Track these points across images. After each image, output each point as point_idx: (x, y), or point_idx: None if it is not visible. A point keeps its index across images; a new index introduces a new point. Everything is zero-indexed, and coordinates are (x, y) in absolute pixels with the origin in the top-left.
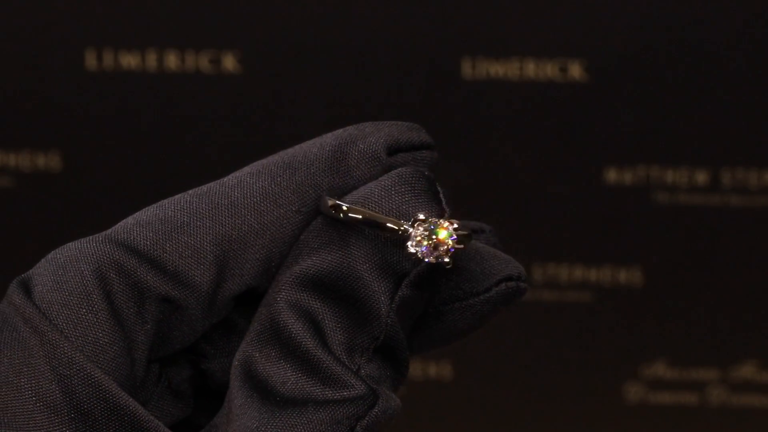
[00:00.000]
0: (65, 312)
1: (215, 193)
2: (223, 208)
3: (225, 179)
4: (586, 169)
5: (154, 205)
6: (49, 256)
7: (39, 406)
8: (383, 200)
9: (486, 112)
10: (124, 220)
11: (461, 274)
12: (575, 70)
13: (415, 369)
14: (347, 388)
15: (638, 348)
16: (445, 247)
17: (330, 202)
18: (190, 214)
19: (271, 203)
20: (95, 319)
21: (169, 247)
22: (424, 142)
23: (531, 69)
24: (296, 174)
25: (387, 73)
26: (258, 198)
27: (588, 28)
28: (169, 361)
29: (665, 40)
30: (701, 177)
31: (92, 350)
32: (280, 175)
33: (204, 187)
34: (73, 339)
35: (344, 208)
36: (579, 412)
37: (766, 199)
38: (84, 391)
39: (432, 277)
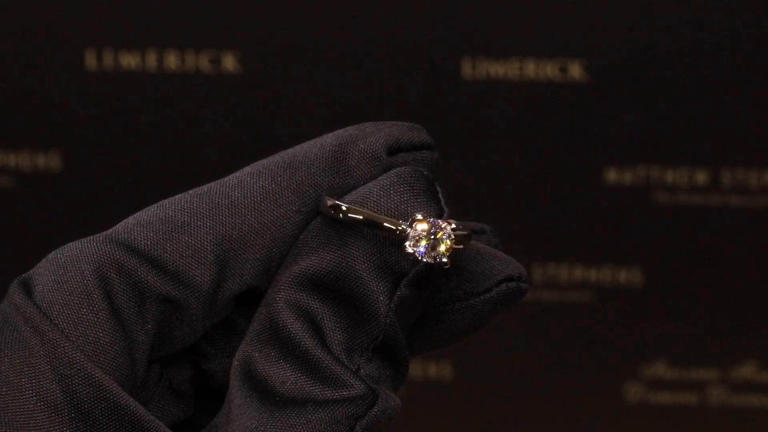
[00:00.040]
0: (66, 312)
1: (216, 193)
2: (223, 208)
3: (225, 179)
4: (586, 169)
5: (155, 205)
6: (50, 256)
7: (40, 406)
8: (382, 200)
9: (486, 112)
10: (124, 220)
11: (462, 274)
12: (575, 70)
13: (415, 369)
14: (346, 388)
15: (638, 348)
16: (444, 247)
17: (329, 202)
18: (190, 213)
19: (272, 203)
20: (96, 319)
21: (169, 247)
22: (424, 142)
23: (531, 69)
24: (297, 174)
25: (387, 73)
26: (258, 198)
27: (588, 28)
28: (170, 361)
29: (665, 40)
30: (701, 177)
31: (93, 350)
32: (280, 175)
33: (205, 187)
34: (74, 339)
35: (343, 208)
36: (579, 412)
37: (766, 199)
38: (84, 390)
39: (431, 277)
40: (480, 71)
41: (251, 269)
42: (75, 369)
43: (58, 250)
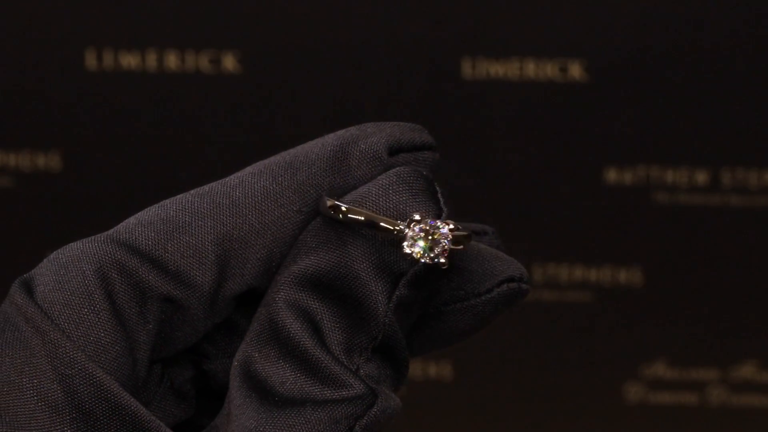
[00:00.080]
0: (67, 312)
1: (217, 193)
2: (224, 208)
3: (227, 179)
4: (586, 169)
5: (156, 205)
6: (51, 256)
7: (41, 406)
8: (380, 199)
9: (486, 112)
10: (126, 220)
11: (463, 274)
12: (575, 70)
13: (415, 369)
14: (346, 388)
15: (638, 348)
16: (441, 247)
17: (328, 203)
18: (191, 213)
19: (273, 203)
20: (97, 319)
21: (170, 247)
22: (425, 142)
23: (531, 69)
24: (297, 174)
25: (387, 73)
26: (259, 197)
27: (588, 28)
28: (172, 361)
29: (665, 40)
30: (701, 177)
31: (94, 350)
32: (281, 175)
33: (206, 187)
34: (75, 339)
35: (343, 208)
36: (579, 412)
37: (766, 199)
38: (86, 390)
39: (430, 277)
40: (480, 71)
41: (252, 269)
42: (76, 369)
43: (59, 250)
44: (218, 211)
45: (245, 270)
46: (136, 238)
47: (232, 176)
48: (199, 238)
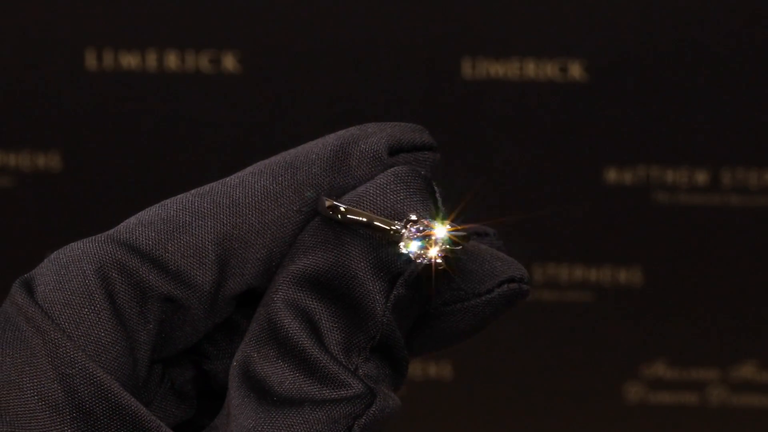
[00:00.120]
0: (68, 311)
1: (217, 193)
2: (224, 207)
3: (227, 179)
4: (586, 169)
5: (157, 205)
6: (52, 256)
7: (41, 405)
8: (378, 199)
9: (486, 112)
10: (126, 220)
11: (463, 274)
12: (575, 70)
13: (415, 369)
14: (344, 387)
15: (638, 348)
16: (437, 247)
17: (327, 203)
18: (192, 213)
19: (273, 202)
20: (97, 319)
21: (171, 246)
22: (426, 143)
23: (531, 69)
24: (298, 173)
25: (387, 73)
26: (259, 197)
27: (588, 28)
28: (173, 362)
29: (665, 40)
30: (701, 177)
31: (94, 350)
32: (281, 175)
33: (206, 187)
34: (76, 338)
35: (341, 209)
36: (579, 412)
37: (766, 199)
38: (86, 390)
39: (428, 276)
40: (480, 71)
41: (252, 269)
42: (76, 369)
43: (60, 250)
44: (218, 211)
45: (245, 270)
46: (136, 238)
47: (232, 176)
48: (200, 238)
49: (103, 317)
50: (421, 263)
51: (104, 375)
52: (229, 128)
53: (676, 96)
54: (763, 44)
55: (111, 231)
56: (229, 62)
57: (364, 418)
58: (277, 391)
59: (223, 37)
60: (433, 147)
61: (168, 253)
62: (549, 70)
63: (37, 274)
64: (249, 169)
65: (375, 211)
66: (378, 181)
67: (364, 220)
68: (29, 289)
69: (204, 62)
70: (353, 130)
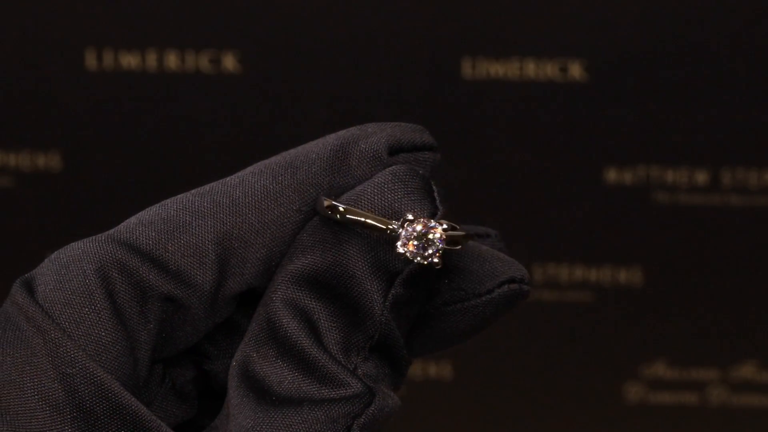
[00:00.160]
0: (68, 311)
1: (217, 192)
2: (224, 207)
3: (227, 178)
4: (586, 169)
5: (157, 205)
6: (53, 255)
7: (41, 405)
8: (376, 198)
9: (486, 112)
10: (127, 220)
11: (463, 274)
12: (575, 70)
13: (415, 369)
14: (343, 387)
15: (638, 348)
16: (435, 247)
17: (326, 203)
18: (192, 213)
19: (272, 202)
20: (98, 318)
21: (171, 246)
22: (426, 143)
23: (531, 69)
24: (297, 173)
25: (387, 73)
26: (259, 196)
27: (588, 28)
28: (173, 362)
29: (665, 40)
30: (701, 177)
31: (95, 349)
32: (281, 174)
33: (207, 187)
34: (76, 338)
35: (340, 209)
36: (579, 412)
37: (766, 199)
38: (86, 389)
39: (426, 276)
40: (480, 71)
41: (252, 268)
42: (77, 368)
43: (60, 250)
44: (218, 210)
45: (245, 269)
46: (136, 238)
47: (233, 176)
48: (200, 238)
49: (103, 317)
50: (418, 263)
51: (105, 374)
52: (229, 128)
53: (676, 96)
54: (763, 44)
55: (111, 231)
56: (229, 62)
57: (363, 417)
58: (276, 390)
59: (223, 37)
60: (434, 147)
61: (168, 252)
62: (549, 70)
63: (37, 273)
64: (249, 168)
65: (373, 210)
66: (376, 180)
67: (362, 219)
68: (30, 288)
69: (204, 62)
70: (353, 130)
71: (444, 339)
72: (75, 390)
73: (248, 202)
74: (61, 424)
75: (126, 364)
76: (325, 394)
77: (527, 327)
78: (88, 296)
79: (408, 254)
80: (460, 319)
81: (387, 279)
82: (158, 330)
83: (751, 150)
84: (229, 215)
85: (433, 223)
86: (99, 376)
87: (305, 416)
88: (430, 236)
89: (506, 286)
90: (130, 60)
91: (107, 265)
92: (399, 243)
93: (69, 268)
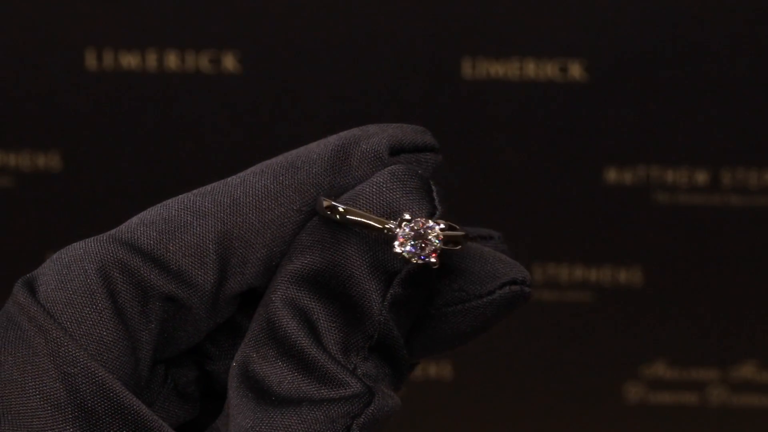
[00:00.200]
0: (69, 310)
1: (218, 192)
2: (225, 206)
3: (229, 179)
4: (586, 169)
5: (159, 205)
6: (54, 255)
7: (43, 404)
8: (374, 197)
9: (486, 112)
10: (129, 220)
11: (464, 275)
12: (575, 70)
13: (415, 369)
14: (343, 387)
15: (638, 348)
16: (431, 247)
17: (325, 203)
18: (193, 213)
19: (273, 201)
20: (99, 318)
21: (172, 246)
22: (428, 144)
23: (531, 69)
24: (298, 173)
25: (387, 73)
26: (260, 196)
27: (588, 28)
28: (175, 362)
29: (665, 40)
30: (701, 177)
31: (96, 348)
32: (282, 174)
33: (208, 187)
34: (78, 337)
35: (340, 209)
36: (579, 412)
37: (766, 199)
38: (88, 389)
39: (424, 276)
40: (480, 71)
41: (252, 268)
42: (78, 367)
43: (62, 250)
44: (219, 210)
45: (246, 269)
46: (138, 238)
47: (234, 176)
48: (201, 238)
49: (104, 316)
50: (415, 263)
51: (106, 374)
52: (229, 128)
53: (676, 96)
54: (763, 44)
55: (113, 231)
56: (229, 62)
57: (363, 417)
58: (275, 390)
59: (223, 37)
60: (436, 148)
61: (169, 252)
62: (549, 70)
63: (39, 273)
64: (251, 168)
65: (371, 209)
66: (374, 180)
67: (360, 219)
68: (31, 288)
69: (204, 62)
70: (355, 131)
71: (445, 340)
72: (76, 389)
73: (249, 202)
74: (62, 424)
75: (127, 364)
76: (325, 394)
77: (527, 327)
78: (89, 296)
79: (405, 254)
80: (461, 320)
81: (385, 279)
82: (159, 330)
83: (751, 150)
84: (230, 215)
85: (430, 222)
86: (100, 375)
87: (304, 416)
88: (428, 236)
89: (507, 287)
90: (130, 60)
91: (109, 265)
92: (396, 243)
93: (70, 267)
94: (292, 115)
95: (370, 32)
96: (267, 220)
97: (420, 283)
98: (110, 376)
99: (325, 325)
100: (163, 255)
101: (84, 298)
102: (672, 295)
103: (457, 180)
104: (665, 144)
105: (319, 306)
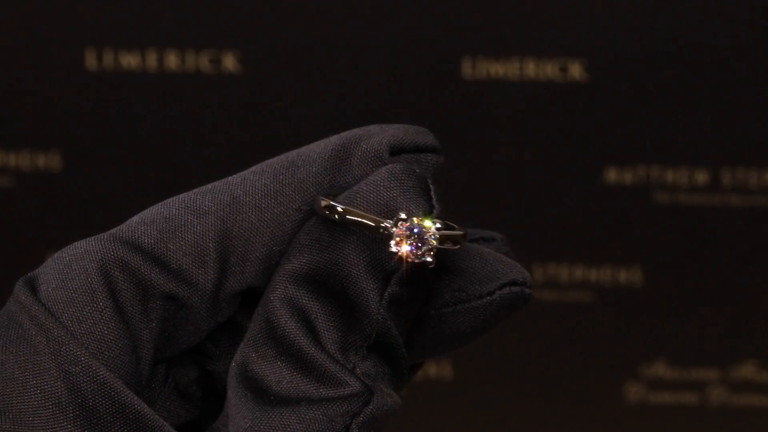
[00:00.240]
0: (70, 309)
1: (219, 191)
2: (225, 204)
3: (230, 177)
4: (586, 169)
5: (159, 204)
6: (56, 255)
7: (44, 403)
8: (371, 195)
9: (486, 112)
10: (129, 219)
11: (464, 276)
12: (575, 70)
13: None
14: (342, 386)
15: (638, 348)
16: (428, 246)
17: (323, 202)
18: (193, 211)
19: (272, 200)
20: (100, 317)
21: (172, 245)
22: (429, 144)
23: (531, 69)
24: (298, 172)
25: (387, 73)
26: (259, 195)
27: (588, 28)
28: (177, 362)
29: (665, 40)
30: (701, 177)
31: (97, 347)
32: (282, 173)
33: (209, 186)
34: (79, 336)
35: (338, 208)
36: (579, 412)
37: (766, 199)
38: (89, 388)
39: (424, 275)
40: (480, 71)
41: (252, 267)
42: (80, 366)
43: (63, 250)
44: (219, 208)
45: (245, 267)
46: (138, 237)
47: (235, 175)
48: (201, 236)
49: (105, 315)
50: (411, 262)
51: (107, 373)
52: (229, 128)
53: (676, 96)
54: (763, 44)
55: (114, 230)
56: (229, 62)
57: (362, 416)
58: (274, 390)
59: (223, 37)
60: (437, 149)
61: (170, 251)
62: (549, 70)
63: (40, 272)
64: (252, 168)
65: (368, 208)
66: (372, 179)
67: (357, 219)
68: (32, 287)
69: (204, 62)
70: (356, 131)
71: (445, 341)
72: (78, 388)
73: (248, 201)
74: (63, 422)
75: (128, 363)
76: (323, 393)
77: (527, 327)
78: (90, 295)
79: (401, 253)
80: (461, 320)
81: (383, 278)
82: (160, 329)
83: (751, 150)
84: (230, 213)
85: (427, 222)
86: (101, 374)
87: (303, 416)
88: (424, 235)
89: (507, 288)
90: (130, 60)
91: (109, 264)
92: (392, 242)
93: (71, 266)
94: (292, 115)
95: (370, 32)
96: (266, 219)
97: (418, 282)
98: (111, 375)
99: (324, 325)
100: (164, 254)
101: (85, 297)
102: (672, 295)
103: (457, 180)
104: (665, 144)
105: (317, 305)
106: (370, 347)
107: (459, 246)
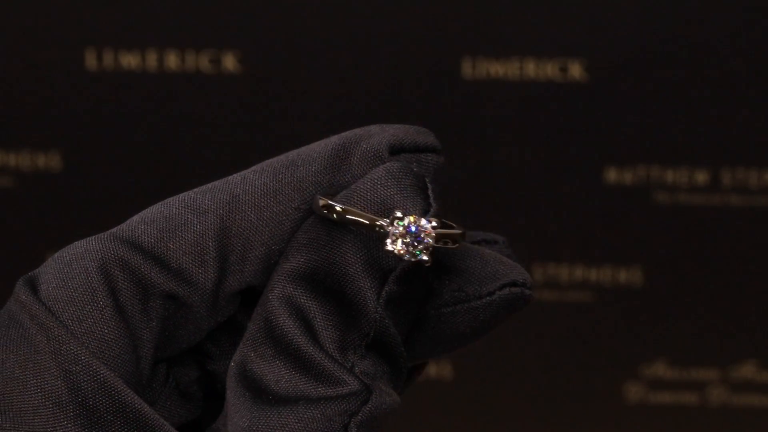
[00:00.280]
0: (71, 308)
1: (219, 190)
2: (225, 203)
3: (230, 177)
4: (586, 169)
5: (160, 203)
6: (56, 254)
7: (44, 402)
8: (368, 194)
9: (486, 112)
10: (130, 218)
11: (464, 276)
12: (575, 70)
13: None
14: (340, 385)
15: (638, 348)
16: (424, 245)
17: (321, 202)
18: (193, 211)
19: (271, 199)
20: (101, 316)
21: (172, 244)
22: (429, 144)
23: (531, 69)
24: (298, 171)
25: (387, 73)
26: (259, 194)
27: (588, 28)
28: (177, 362)
29: (665, 40)
30: (701, 177)
31: (98, 346)
32: (282, 172)
33: (209, 185)
34: (79, 335)
35: (335, 207)
36: (579, 412)
37: (766, 199)
38: (89, 387)
39: (422, 274)
40: (480, 71)
41: (251, 266)
42: (80, 365)
43: (64, 249)
44: (219, 207)
45: (245, 266)
46: (138, 236)
47: (236, 174)
48: (201, 236)
49: (106, 314)
50: (407, 260)
51: (108, 372)
52: (229, 128)
53: (676, 96)
54: (763, 44)
55: (114, 229)
56: (229, 62)
57: (361, 415)
58: (273, 389)
59: (223, 37)
60: (437, 149)
61: (170, 250)
62: (549, 70)
63: (40, 272)
64: (253, 167)
65: (365, 206)
66: (369, 177)
67: (355, 218)
68: (33, 286)
69: (204, 62)
70: (356, 131)
71: (444, 341)
72: (78, 387)
73: (248, 200)
74: (64, 421)
75: (129, 362)
76: (322, 392)
77: (527, 327)
78: (90, 294)
79: (396, 252)
80: (460, 320)
81: (380, 277)
82: (161, 328)
83: (751, 150)
84: (229, 212)
85: (423, 220)
86: (102, 373)
87: (301, 415)
88: (420, 234)
89: (507, 289)
90: (130, 60)
91: (110, 263)
92: (388, 240)
93: (72, 266)
94: (292, 115)
95: (370, 32)
96: (265, 218)
97: (416, 281)
98: (112, 374)
99: (322, 324)
100: (164, 253)
101: (85, 296)
102: (672, 295)
103: (457, 180)
104: (665, 144)
105: (315, 304)
106: (369, 346)
107: (457, 245)
